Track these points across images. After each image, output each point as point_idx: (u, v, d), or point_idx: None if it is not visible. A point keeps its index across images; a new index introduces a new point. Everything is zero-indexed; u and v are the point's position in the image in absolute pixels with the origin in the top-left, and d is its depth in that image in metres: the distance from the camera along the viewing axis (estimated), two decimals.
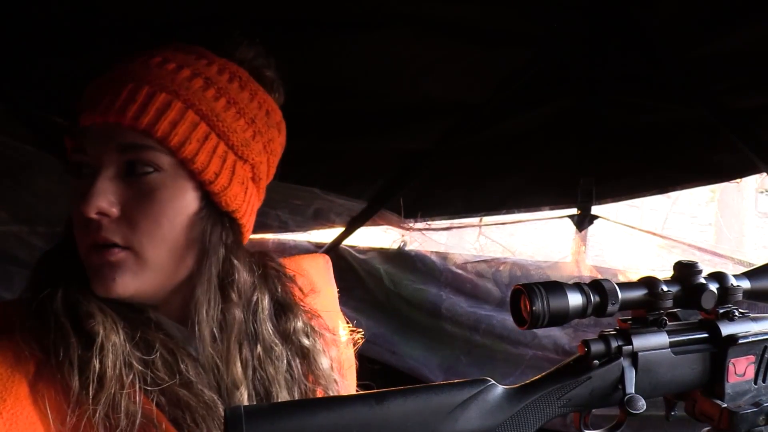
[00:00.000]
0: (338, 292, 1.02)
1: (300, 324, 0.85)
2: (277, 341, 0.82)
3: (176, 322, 0.79)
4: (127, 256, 0.72)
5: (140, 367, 0.72)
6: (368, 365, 0.99)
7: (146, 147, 0.72)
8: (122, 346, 0.71)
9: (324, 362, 0.86)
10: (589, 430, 0.70)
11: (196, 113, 0.74)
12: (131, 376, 0.71)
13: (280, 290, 0.85)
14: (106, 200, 0.71)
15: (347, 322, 0.99)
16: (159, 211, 0.73)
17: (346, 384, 0.92)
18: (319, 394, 0.85)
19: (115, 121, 0.71)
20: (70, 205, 0.75)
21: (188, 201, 0.75)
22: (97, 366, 0.69)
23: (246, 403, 0.77)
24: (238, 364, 0.77)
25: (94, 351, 0.69)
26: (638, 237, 2.56)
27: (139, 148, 0.72)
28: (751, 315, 0.76)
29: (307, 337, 0.85)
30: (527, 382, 0.67)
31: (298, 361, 0.84)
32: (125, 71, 0.74)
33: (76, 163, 0.74)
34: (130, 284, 0.73)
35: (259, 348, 0.80)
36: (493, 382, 0.64)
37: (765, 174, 2.24)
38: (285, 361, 0.82)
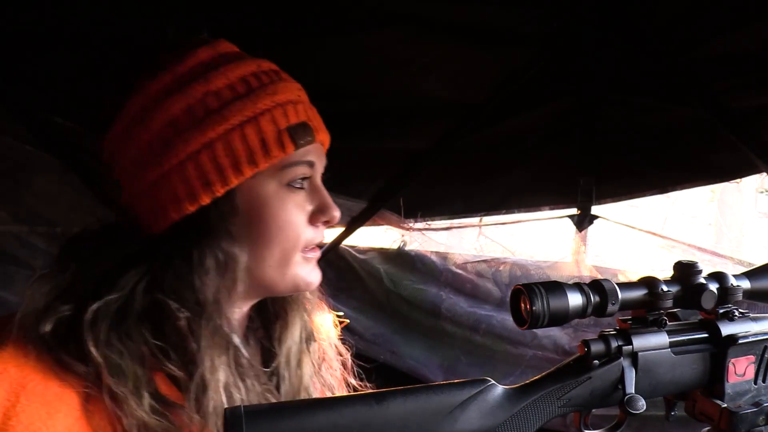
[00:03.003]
0: (338, 292, 1.03)
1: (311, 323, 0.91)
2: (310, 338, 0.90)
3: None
4: None
5: (238, 395, 0.73)
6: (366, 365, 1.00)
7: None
8: (226, 375, 0.73)
9: (329, 351, 0.93)
10: (589, 430, 0.70)
11: None
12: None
13: None
14: None
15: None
16: None
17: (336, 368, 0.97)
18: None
19: (323, 142, 0.85)
20: (290, 216, 0.81)
21: None
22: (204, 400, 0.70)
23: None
24: (308, 367, 0.85)
25: (202, 385, 0.71)
26: (638, 237, 2.55)
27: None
28: (751, 315, 0.76)
29: (314, 332, 0.91)
30: (527, 382, 0.67)
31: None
32: (300, 90, 0.83)
33: (302, 176, 0.83)
34: None
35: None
36: (493, 382, 0.65)
37: (765, 174, 2.24)
38: (316, 356, 0.89)
